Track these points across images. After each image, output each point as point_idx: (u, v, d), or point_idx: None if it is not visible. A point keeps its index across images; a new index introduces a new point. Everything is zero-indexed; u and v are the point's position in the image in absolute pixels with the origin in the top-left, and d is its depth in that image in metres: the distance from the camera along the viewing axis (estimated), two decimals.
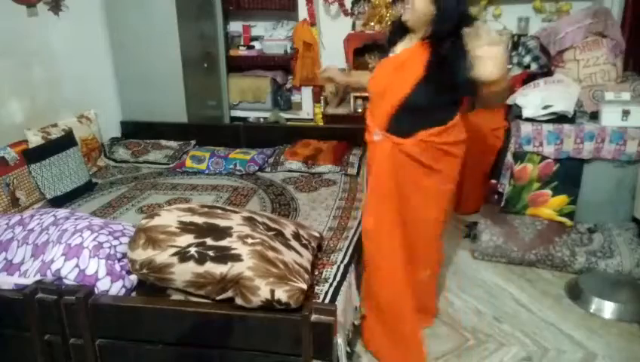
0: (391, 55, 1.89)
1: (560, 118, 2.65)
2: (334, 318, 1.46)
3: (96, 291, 1.58)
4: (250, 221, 1.74)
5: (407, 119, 1.82)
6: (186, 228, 1.60)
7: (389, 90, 1.81)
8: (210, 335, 1.52)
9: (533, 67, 3.17)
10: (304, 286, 1.50)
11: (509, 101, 2.88)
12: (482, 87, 1.73)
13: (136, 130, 3.60)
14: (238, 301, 1.48)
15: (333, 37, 3.98)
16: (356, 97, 3.93)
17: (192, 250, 1.52)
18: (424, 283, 2.13)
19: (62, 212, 1.86)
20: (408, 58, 1.80)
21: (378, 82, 1.88)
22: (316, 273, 1.87)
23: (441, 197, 1.97)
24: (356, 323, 2.00)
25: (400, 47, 1.86)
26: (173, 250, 1.52)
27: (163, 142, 3.48)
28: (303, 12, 3.92)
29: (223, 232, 1.61)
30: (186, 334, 1.52)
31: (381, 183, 1.93)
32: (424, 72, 1.73)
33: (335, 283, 1.82)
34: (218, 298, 1.52)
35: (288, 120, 4.28)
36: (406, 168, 1.87)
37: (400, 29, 1.87)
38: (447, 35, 1.68)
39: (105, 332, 1.57)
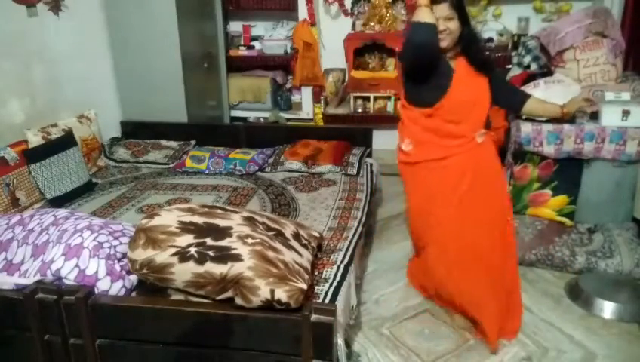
0: (456, 70, 2.09)
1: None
2: (334, 318, 1.46)
3: (96, 291, 1.58)
4: (250, 221, 1.74)
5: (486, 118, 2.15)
6: (186, 228, 1.60)
7: (479, 97, 2.09)
8: (210, 335, 1.52)
9: (533, 67, 3.16)
10: (304, 286, 1.50)
11: None
12: None
13: (136, 130, 3.60)
14: (238, 301, 1.48)
15: (333, 37, 3.99)
16: (356, 97, 3.93)
17: (192, 250, 1.52)
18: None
19: (62, 212, 1.86)
20: (468, 70, 2.08)
21: (470, 93, 2.08)
22: (316, 273, 1.87)
23: None
24: (351, 322, 2.00)
25: (453, 64, 2.08)
26: (173, 250, 1.52)
27: (163, 142, 3.48)
28: (303, 12, 3.92)
29: (223, 232, 1.61)
30: (186, 334, 1.52)
31: (486, 183, 2.11)
32: (486, 75, 2.09)
33: (335, 283, 1.82)
34: (218, 298, 1.52)
35: (288, 120, 4.28)
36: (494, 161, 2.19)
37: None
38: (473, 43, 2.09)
39: (105, 332, 1.57)
